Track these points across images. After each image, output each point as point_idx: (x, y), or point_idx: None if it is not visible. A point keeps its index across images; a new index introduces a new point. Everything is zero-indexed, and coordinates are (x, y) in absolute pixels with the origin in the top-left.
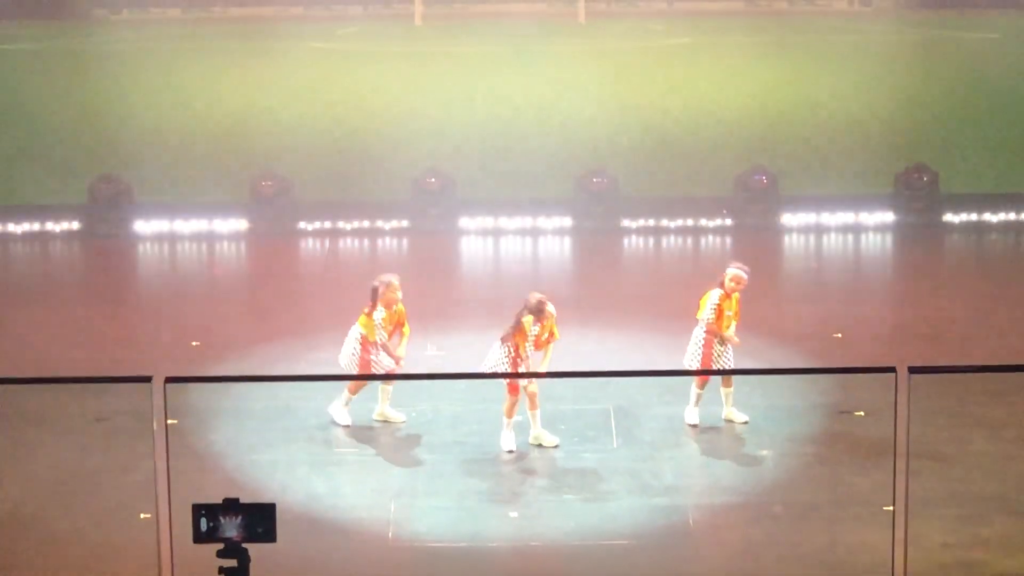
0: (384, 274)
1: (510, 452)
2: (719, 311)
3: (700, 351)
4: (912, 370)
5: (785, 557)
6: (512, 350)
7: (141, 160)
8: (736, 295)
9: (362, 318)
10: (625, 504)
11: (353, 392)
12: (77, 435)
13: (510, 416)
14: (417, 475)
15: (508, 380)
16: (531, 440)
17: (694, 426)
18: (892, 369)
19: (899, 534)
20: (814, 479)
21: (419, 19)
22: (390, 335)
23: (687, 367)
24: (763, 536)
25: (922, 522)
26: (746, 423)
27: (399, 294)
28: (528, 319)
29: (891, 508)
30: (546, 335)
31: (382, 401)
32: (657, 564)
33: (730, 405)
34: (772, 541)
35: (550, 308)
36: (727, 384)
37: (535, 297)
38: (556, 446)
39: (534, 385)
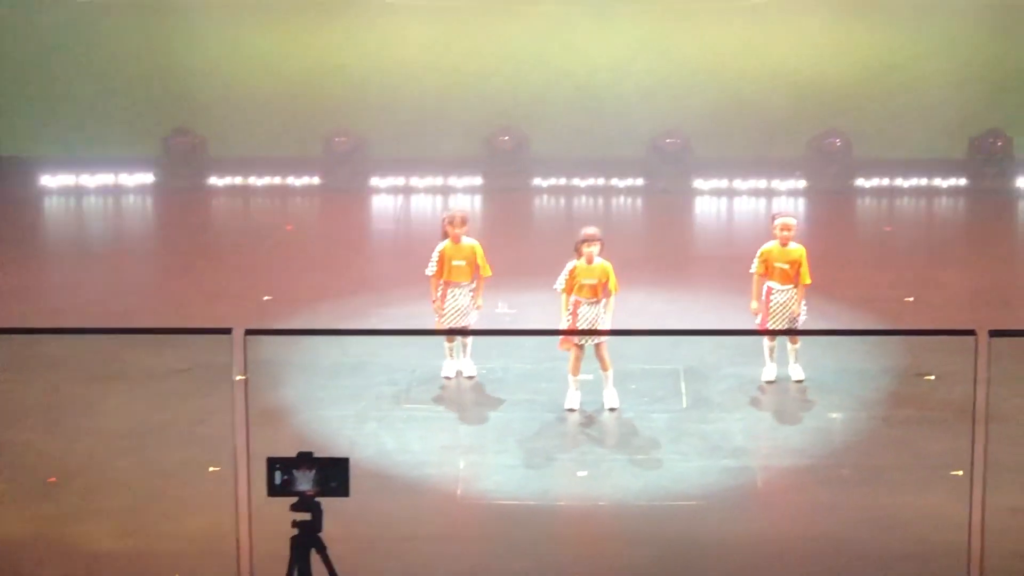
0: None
1: (571, 411)
2: (767, 263)
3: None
4: (993, 333)
5: (854, 520)
6: (568, 301)
7: (216, 114)
8: (799, 251)
9: None
10: (693, 465)
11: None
12: (150, 388)
13: (573, 373)
14: (486, 432)
15: (561, 337)
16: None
17: (771, 383)
18: (972, 332)
19: (975, 499)
20: (883, 442)
21: None
22: (471, 277)
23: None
24: (831, 498)
25: (992, 487)
26: (800, 382)
27: (458, 229)
28: (570, 263)
29: (961, 472)
30: (594, 280)
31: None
32: (725, 525)
33: (794, 362)
34: (840, 504)
35: (589, 249)
36: (793, 340)
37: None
38: (613, 409)
39: (603, 347)
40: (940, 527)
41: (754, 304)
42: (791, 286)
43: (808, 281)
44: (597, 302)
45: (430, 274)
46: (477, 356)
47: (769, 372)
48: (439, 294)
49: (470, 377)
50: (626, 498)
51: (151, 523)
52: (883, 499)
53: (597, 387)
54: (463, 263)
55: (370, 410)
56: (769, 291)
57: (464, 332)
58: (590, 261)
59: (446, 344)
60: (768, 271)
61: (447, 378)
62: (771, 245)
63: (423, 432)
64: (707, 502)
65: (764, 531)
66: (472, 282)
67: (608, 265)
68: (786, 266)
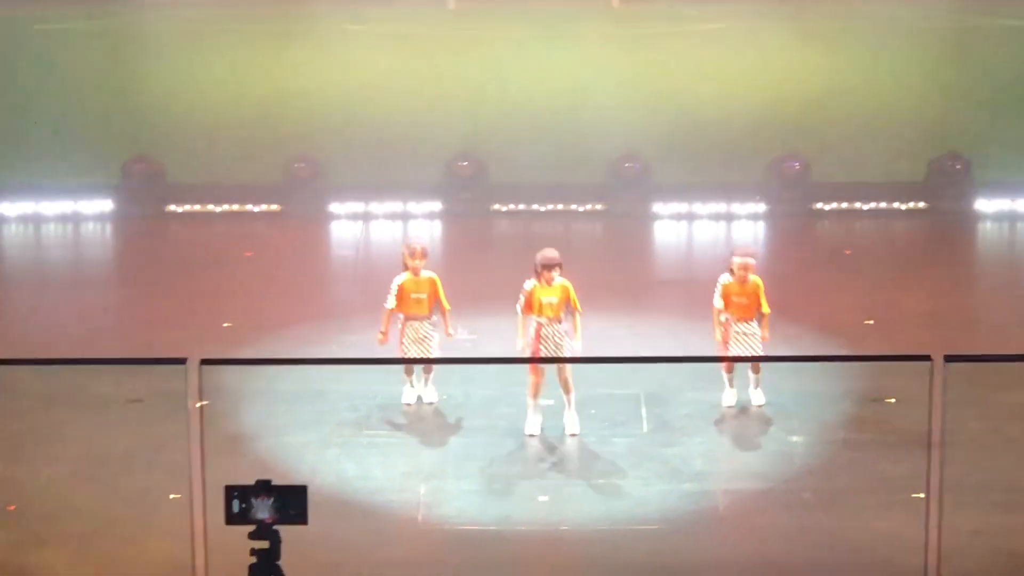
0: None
1: (532, 436)
2: (726, 298)
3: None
4: (948, 358)
5: (815, 543)
6: (525, 322)
7: (174, 141)
8: (756, 284)
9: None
10: (655, 489)
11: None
12: (109, 416)
13: (533, 397)
14: (447, 458)
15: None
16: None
17: (730, 407)
18: (927, 357)
19: (931, 522)
20: (844, 466)
21: (453, 3)
22: (430, 310)
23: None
24: (793, 522)
25: (953, 510)
26: (760, 407)
27: (417, 262)
28: (528, 283)
29: (921, 495)
30: (555, 298)
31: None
32: (686, 549)
33: (754, 388)
34: (802, 527)
35: (550, 275)
36: (755, 370)
37: (538, 256)
38: (573, 435)
39: (566, 369)
40: (900, 550)
41: (718, 335)
42: (751, 319)
43: (767, 311)
44: (559, 321)
45: (389, 308)
46: (438, 382)
47: (729, 397)
48: (399, 327)
49: (431, 403)
50: (587, 523)
51: (109, 551)
52: (844, 522)
53: (558, 412)
54: (423, 296)
55: (331, 436)
56: (728, 322)
57: (426, 361)
58: (549, 284)
59: (404, 375)
60: (727, 305)
61: (408, 404)
62: (729, 281)
63: (384, 458)
64: (668, 526)
65: (725, 555)
66: (431, 315)
67: (568, 283)
68: (744, 300)
